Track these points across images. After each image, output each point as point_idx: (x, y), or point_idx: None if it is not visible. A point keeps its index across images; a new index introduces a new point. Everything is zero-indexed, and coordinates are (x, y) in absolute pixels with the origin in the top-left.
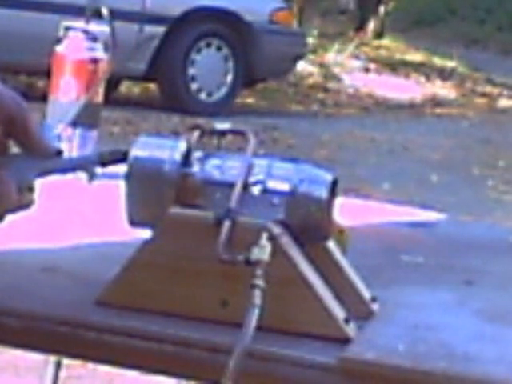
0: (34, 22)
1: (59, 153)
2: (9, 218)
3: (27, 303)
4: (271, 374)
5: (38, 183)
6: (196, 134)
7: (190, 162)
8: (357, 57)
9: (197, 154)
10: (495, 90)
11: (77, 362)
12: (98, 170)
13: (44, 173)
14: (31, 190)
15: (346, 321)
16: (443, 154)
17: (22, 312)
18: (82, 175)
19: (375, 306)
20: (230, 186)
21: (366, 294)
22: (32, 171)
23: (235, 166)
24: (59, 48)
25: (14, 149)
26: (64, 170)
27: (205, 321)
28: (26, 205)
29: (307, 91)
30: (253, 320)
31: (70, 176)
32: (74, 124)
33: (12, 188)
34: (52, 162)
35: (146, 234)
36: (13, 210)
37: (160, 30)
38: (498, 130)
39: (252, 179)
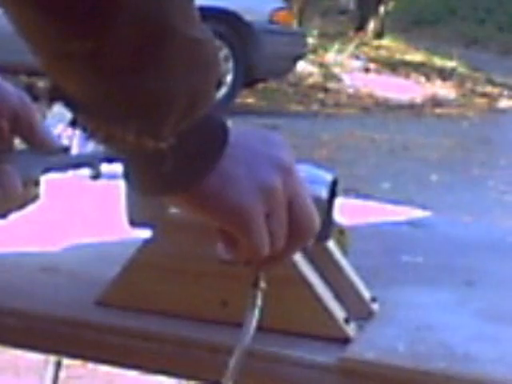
0: None
1: (65, 150)
2: (11, 216)
3: (27, 303)
4: (271, 374)
5: (43, 179)
6: None
7: None
8: (357, 57)
9: None
10: (495, 90)
11: (77, 362)
12: (104, 167)
13: (50, 168)
14: (37, 184)
15: (346, 321)
16: (443, 154)
17: (22, 312)
18: (84, 173)
19: (375, 306)
20: None
21: (366, 294)
22: (38, 166)
23: None
24: None
25: (20, 146)
26: (69, 166)
27: (205, 321)
28: (32, 199)
29: (307, 91)
30: (253, 320)
31: (70, 174)
32: (74, 124)
33: (18, 182)
34: (58, 157)
35: (145, 234)
36: (19, 206)
37: None
38: (498, 129)
39: None
